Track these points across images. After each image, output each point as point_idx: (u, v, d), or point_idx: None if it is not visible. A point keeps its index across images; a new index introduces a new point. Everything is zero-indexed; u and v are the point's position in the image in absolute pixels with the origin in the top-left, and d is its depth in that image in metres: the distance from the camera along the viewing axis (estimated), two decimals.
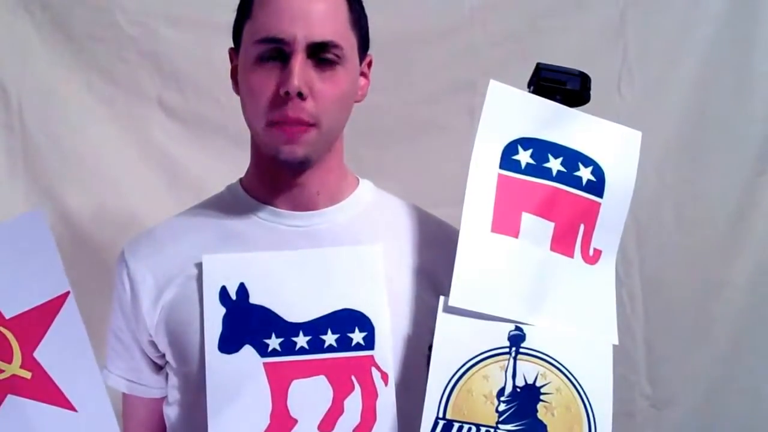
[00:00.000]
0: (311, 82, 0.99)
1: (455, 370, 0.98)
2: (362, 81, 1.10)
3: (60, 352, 0.97)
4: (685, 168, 1.74)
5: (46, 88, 1.61)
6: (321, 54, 0.99)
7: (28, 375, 0.96)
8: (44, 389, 0.96)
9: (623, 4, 1.70)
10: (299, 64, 0.97)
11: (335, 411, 0.99)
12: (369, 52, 1.11)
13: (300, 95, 0.97)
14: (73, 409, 0.97)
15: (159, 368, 1.12)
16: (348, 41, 1.02)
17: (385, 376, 1.00)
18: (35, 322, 0.96)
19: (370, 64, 1.11)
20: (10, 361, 0.95)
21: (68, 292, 0.98)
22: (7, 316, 0.96)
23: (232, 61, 1.09)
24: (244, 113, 1.05)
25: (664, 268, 1.75)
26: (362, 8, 1.08)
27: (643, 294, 1.74)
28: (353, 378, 1.00)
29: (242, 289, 1.01)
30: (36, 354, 0.96)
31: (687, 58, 1.73)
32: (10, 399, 0.95)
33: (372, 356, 1.01)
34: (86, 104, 1.62)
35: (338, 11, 1.02)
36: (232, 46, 1.09)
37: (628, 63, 1.71)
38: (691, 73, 1.73)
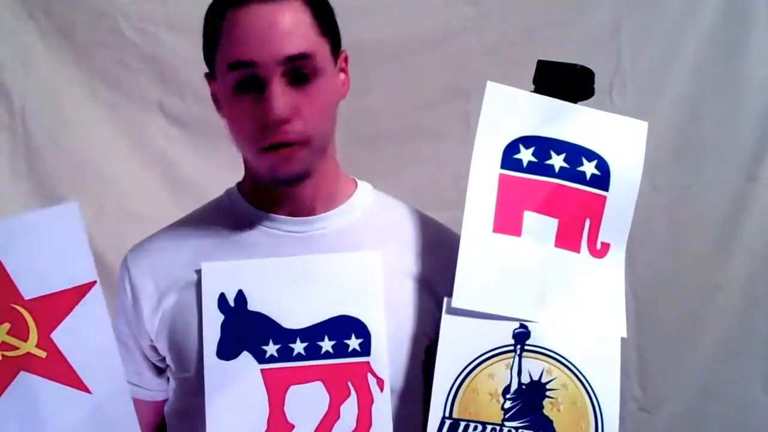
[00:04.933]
0: (293, 102, 0.97)
1: (460, 370, 0.98)
2: (342, 77, 1.08)
3: (80, 336, 0.98)
4: (676, 173, 1.76)
5: (49, 93, 1.62)
6: (296, 70, 0.97)
7: (42, 354, 0.96)
8: (58, 369, 0.97)
9: (617, 13, 1.72)
10: (276, 89, 0.96)
11: (331, 416, 1.00)
12: (343, 48, 1.07)
13: (284, 121, 0.97)
14: (87, 390, 0.98)
15: (161, 371, 1.13)
16: (320, 49, 1.00)
17: (380, 382, 1.01)
18: (56, 306, 0.97)
19: (346, 60, 1.09)
20: (26, 340, 0.96)
21: (95, 282, 0.99)
22: (26, 297, 0.97)
23: (210, 85, 1.07)
24: (232, 138, 1.04)
25: (656, 272, 1.77)
26: (329, 12, 1.05)
27: (635, 298, 1.75)
28: (349, 384, 1.00)
29: (240, 296, 1.02)
30: (53, 335, 0.97)
31: (679, 65, 1.75)
32: (23, 375, 0.96)
33: (368, 362, 1.01)
34: (88, 109, 1.63)
35: (304, 22, 0.99)
36: None
37: (621, 70, 1.73)
38: (682, 80, 1.75)
